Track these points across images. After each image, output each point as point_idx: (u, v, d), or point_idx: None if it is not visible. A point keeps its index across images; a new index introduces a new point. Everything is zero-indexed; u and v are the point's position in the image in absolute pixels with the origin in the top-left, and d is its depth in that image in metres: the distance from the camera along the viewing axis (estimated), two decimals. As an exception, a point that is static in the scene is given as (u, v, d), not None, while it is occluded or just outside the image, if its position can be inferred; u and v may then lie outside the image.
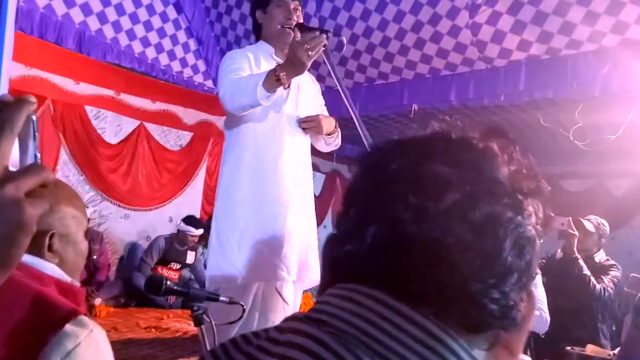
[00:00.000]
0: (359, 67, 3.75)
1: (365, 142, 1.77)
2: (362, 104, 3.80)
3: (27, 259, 0.86)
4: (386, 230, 0.42)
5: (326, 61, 1.76)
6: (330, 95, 2.17)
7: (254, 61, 1.89)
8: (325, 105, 2.16)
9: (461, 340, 0.41)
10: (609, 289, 3.11)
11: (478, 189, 0.42)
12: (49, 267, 0.88)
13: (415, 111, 3.72)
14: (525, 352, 2.50)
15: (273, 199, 1.85)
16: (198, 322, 1.34)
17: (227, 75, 1.84)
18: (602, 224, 3.36)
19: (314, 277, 1.97)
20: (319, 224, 5.97)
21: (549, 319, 2.49)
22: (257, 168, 1.86)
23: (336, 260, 0.46)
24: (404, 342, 0.39)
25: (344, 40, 1.81)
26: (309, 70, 1.81)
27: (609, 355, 2.38)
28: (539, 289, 2.56)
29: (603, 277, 3.14)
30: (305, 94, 1.99)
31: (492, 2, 3.11)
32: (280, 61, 1.82)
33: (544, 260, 3.47)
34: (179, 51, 4.08)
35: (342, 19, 3.51)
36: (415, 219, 0.41)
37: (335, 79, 1.78)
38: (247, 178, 1.86)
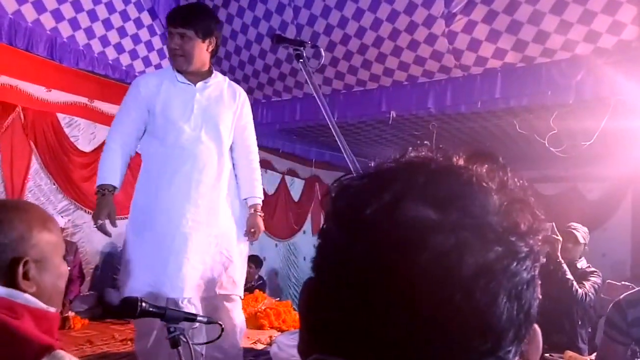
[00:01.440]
0: (337, 74, 3.75)
1: (343, 150, 1.76)
2: (341, 111, 3.80)
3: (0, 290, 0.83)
4: (361, 296, 0.37)
5: (304, 71, 1.75)
6: (309, 103, 2.17)
7: (154, 88, 2.06)
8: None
9: None
10: (590, 294, 3.17)
11: (464, 236, 0.36)
12: (22, 297, 0.85)
13: (393, 118, 3.73)
14: None
15: (166, 217, 1.96)
16: (175, 343, 1.30)
17: (120, 110, 2.11)
18: (587, 232, 3.46)
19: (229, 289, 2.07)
20: (297, 230, 5.98)
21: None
22: (152, 187, 2.01)
23: (313, 325, 0.41)
24: None
25: (322, 52, 1.80)
26: (243, 83, 1.95)
27: (586, 362, 2.41)
28: None
29: (584, 282, 3.20)
30: (215, 117, 2.09)
31: (467, 10, 3.14)
32: (186, 83, 2.06)
33: None
34: (154, 58, 4.02)
35: (320, 27, 3.50)
36: (394, 283, 0.36)
37: (312, 89, 1.77)
38: (143, 197, 2.03)
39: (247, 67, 3.93)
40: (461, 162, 0.41)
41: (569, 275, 3.12)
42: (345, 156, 1.78)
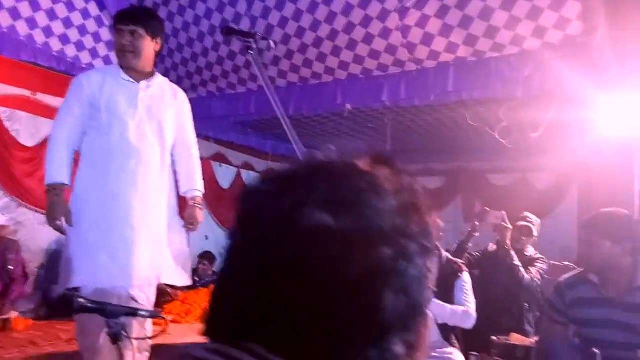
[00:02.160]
0: (292, 67, 3.72)
1: (294, 143, 1.77)
2: (297, 104, 3.78)
3: None
4: (258, 295, 0.40)
5: (254, 63, 1.73)
6: (264, 95, 2.14)
7: (97, 84, 2.08)
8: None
9: None
10: (536, 279, 3.32)
11: (355, 240, 0.39)
12: None
13: (349, 111, 3.74)
14: (453, 344, 2.59)
15: (114, 210, 2.00)
16: (115, 339, 1.27)
17: (62, 107, 2.10)
18: (539, 223, 3.65)
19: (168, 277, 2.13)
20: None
21: (475, 315, 2.59)
22: (99, 182, 2.03)
23: (217, 320, 0.44)
24: None
25: (272, 44, 1.78)
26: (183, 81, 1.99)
27: (531, 343, 2.51)
28: (467, 287, 2.67)
29: (531, 268, 3.35)
30: (158, 114, 2.14)
31: (420, 5, 3.17)
32: (130, 80, 2.10)
33: (478, 254, 3.65)
34: (101, 49, 3.87)
35: (274, 19, 3.46)
36: (287, 282, 0.39)
37: (263, 83, 1.75)
38: (88, 191, 2.04)
39: (200, 60, 3.85)
40: (362, 166, 0.44)
41: (517, 262, 3.25)
42: (295, 149, 1.77)
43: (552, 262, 3.51)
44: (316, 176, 0.42)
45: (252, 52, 1.69)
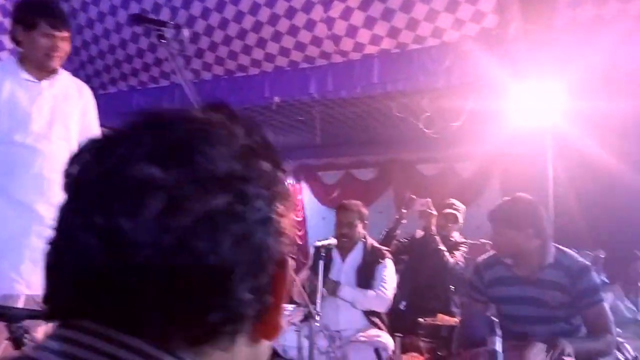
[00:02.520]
0: (217, 59, 3.63)
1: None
2: (223, 97, 3.70)
3: None
4: (78, 262, 0.38)
5: (168, 52, 1.68)
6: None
7: None
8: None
9: (186, 354, 0.39)
10: (460, 262, 3.48)
11: (185, 189, 0.38)
12: None
13: (277, 104, 3.71)
14: (380, 327, 2.65)
15: (19, 216, 1.89)
16: (18, 343, 1.19)
17: None
18: (464, 210, 3.82)
19: None
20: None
21: (389, 298, 2.68)
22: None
23: (53, 299, 0.42)
24: None
25: (186, 32, 1.73)
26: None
27: (455, 322, 2.62)
28: (387, 272, 2.75)
29: (455, 252, 3.51)
30: (63, 115, 2.04)
31: (344, -4, 3.19)
32: (32, 79, 1.96)
33: (406, 240, 3.76)
34: (7, 41, 3.59)
35: (196, 10, 3.36)
36: (116, 244, 0.37)
37: (178, 74, 1.69)
38: None
39: (118, 52, 3.67)
40: (194, 113, 0.42)
41: (441, 247, 3.39)
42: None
43: (469, 241, 3.69)
44: (143, 130, 0.41)
45: (164, 41, 1.63)
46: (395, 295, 4.43)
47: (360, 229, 2.83)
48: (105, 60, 3.73)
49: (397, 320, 3.09)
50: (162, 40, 1.62)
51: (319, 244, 2.53)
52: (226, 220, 0.38)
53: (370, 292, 2.67)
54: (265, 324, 0.43)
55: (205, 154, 0.39)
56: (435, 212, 3.52)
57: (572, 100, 3.90)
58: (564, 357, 1.50)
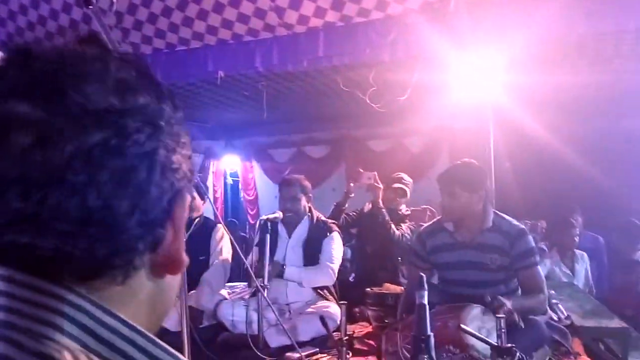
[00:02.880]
0: (157, 32, 3.49)
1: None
2: (165, 72, 3.58)
3: None
4: None
5: (95, 21, 1.60)
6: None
7: None
8: None
9: (80, 288, 0.39)
10: (406, 234, 3.56)
11: (56, 125, 0.37)
12: None
13: (221, 78, 3.62)
14: (328, 299, 2.68)
15: None
16: None
17: None
18: (412, 183, 3.89)
19: None
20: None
21: (333, 271, 2.72)
22: None
23: None
24: (11, 308, 0.37)
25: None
26: None
27: (401, 290, 2.69)
28: (334, 245, 2.78)
29: (403, 225, 3.59)
30: None
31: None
32: None
33: (355, 213, 3.81)
34: None
35: (133, -22, 3.21)
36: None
37: (109, 44, 1.61)
38: None
39: (49, 24, 3.47)
40: (65, 47, 0.41)
41: (388, 219, 3.46)
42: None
43: (412, 208, 3.77)
44: (9, 64, 0.40)
45: (92, 7, 1.55)
46: (345, 268, 4.51)
47: (304, 202, 2.83)
48: (36, 32, 3.52)
49: (346, 291, 3.14)
50: (90, 7, 1.54)
51: (264, 217, 2.52)
52: (103, 154, 0.38)
53: (316, 269, 2.69)
54: (165, 259, 0.43)
55: (78, 88, 0.38)
56: (381, 186, 3.58)
57: (511, 74, 4.02)
58: (500, 315, 1.57)
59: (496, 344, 1.56)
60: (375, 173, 3.56)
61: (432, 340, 1.03)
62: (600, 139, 5.38)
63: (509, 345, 1.55)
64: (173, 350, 0.42)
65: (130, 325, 0.40)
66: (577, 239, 4.42)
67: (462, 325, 1.51)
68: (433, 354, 1.01)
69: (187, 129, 0.47)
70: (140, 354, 0.40)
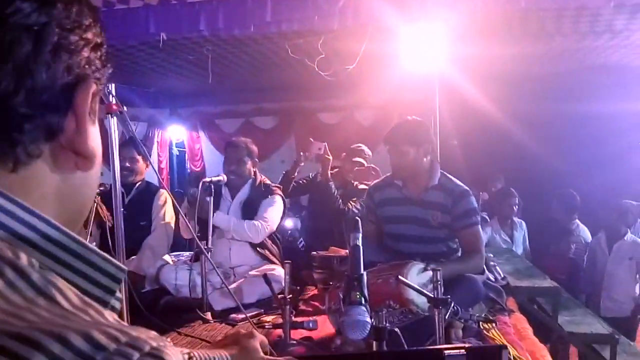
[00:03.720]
0: (94, -11, 3.31)
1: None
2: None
3: None
4: None
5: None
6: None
7: None
8: None
9: None
10: (354, 209, 3.60)
11: None
12: None
13: (164, 41, 3.48)
14: (274, 262, 2.68)
15: None
16: None
17: None
18: (371, 155, 3.93)
19: None
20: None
21: (264, 230, 2.72)
22: None
23: None
24: None
25: None
26: None
27: (345, 253, 2.73)
28: (274, 207, 2.78)
29: (355, 198, 3.62)
30: None
31: None
32: None
33: (305, 181, 3.81)
34: None
35: None
36: None
37: None
38: None
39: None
40: None
41: (335, 192, 3.50)
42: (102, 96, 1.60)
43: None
44: None
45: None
46: (295, 238, 4.53)
47: (249, 166, 2.80)
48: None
49: (295, 257, 3.16)
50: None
51: (207, 180, 2.47)
52: None
53: (247, 222, 2.68)
54: (71, 149, 0.42)
55: None
56: (330, 157, 3.58)
57: (458, 46, 4.10)
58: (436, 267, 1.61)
59: (432, 296, 1.60)
60: (326, 144, 3.56)
61: (365, 279, 1.05)
62: (546, 115, 5.61)
63: (445, 296, 1.60)
64: (81, 239, 0.40)
65: (29, 209, 0.38)
66: (516, 207, 4.62)
67: (400, 277, 1.54)
68: (365, 291, 1.02)
69: (95, 15, 0.45)
70: (42, 238, 0.38)
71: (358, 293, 1.00)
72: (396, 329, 1.26)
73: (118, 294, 0.42)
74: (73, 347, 0.29)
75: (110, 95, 1.60)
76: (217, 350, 0.95)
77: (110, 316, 0.34)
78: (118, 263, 0.42)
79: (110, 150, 1.70)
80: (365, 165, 3.83)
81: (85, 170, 0.44)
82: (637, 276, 4.16)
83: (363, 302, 0.99)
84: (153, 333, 0.34)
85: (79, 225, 0.46)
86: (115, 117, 1.65)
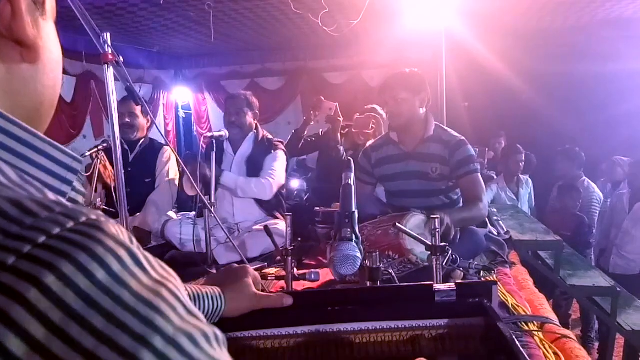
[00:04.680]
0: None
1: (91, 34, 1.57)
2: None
3: None
4: None
5: None
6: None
7: None
8: None
9: None
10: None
11: None
12: None
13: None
14: (278, 217, 2.68)
15: None
16: None
17: None
18: (385, 118, 3.82)
19: None
20: (76, 134, 5.41)
21: (271, 187, 2.72)
22: None
23: None
24: None
25: None
26: None
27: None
28: (277, 163, 2.76)
29: None
30: None
31: None
32: None
33: (313, 138, 3.78)
34: None
35: None
36: None
37: None
38: None
39: None
40: None
41: (343, 155, 3.46)
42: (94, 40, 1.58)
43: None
44: None
45: None
46: (301, 199, 4.55)
47: (250, 118, 2.78)
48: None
49: (301, 214, 3.17)
50: None
51: (209, 134, 2.46)
52: None
53: (254, 180, 2.68)
54: (10, 37, 0.40)
55: None
56: (341, 118, 3.50)
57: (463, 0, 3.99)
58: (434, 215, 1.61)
59: (430, 243, 1.61)
60: (337, 104, 3.49)
61: (356, 215, 1.06)
62: (555, 74, 5.48)
63: (443, 244, 1.60)
64: (33, 129, 0.40)
65: None
66: (522, 164, 4.59)
67: (397, 224, 1.55)
68: (356, 228, 1.03)
69: None
70: None
71: (349, 230, 1.01)
72: (390, 271, 1.27)
73: (79, 187, 0.42)
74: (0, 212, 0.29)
75: (106, 45, 1.59)
76: (209, 286, 0.98)
77: (54, 197, 0.34)
78: (74, 154, 0.42)
79: (107, 101, 1.70)
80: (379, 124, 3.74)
81: (31, 62, 0.43)
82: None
83: (354, 238, 1.00)
84: (98, 212, 0.33)
85: (39, 127, 0.45)
86: (111, 67, 1.64)
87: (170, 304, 0.32)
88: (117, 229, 0.33)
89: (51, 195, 0.33)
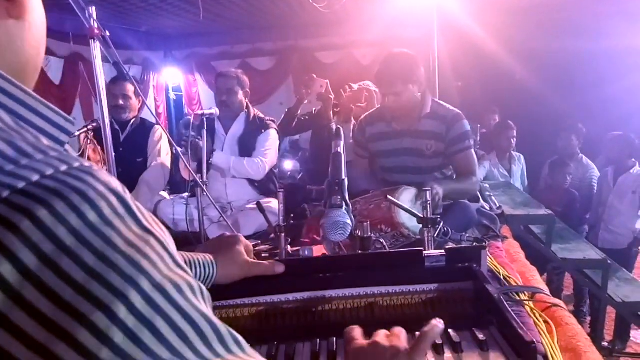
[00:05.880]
0: None
1: (76, 8, 1.54)
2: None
3: None
4: None
5: None
6: None
7: None
8: None
9: None
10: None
11: None
12: None
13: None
14: (270, 196, 2.68)
15: None
16: None
17: None
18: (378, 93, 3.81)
19: None
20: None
21: (264, 166, 2.72)
22: None
23: None
24: None
25: None
26: None
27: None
28: (269, 142, 2.76)
29: None
30: None
31: None
32: None
33: (307, 117, 3.77)
34: None
35: None
36: None
37: None
38: None
39: None
40: None
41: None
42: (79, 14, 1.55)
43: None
44: None
45: None
46: (294, 179, 4.54)
47: (241, 96, 2.76)
48: None
49: (294, 193, 3.18)
50: None
51: (199, 112, 2.45)
52: None
53: (246, 160, 2.68)
54: None
55: None
56: (332, 95, 3.50)
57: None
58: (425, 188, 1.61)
59: (422, 216, 1.62)
60: (328, 81, 3.48)
61: (346, 183, 1.06)
62: (548, 51, 5.46)
63: (434, 216, 1.61)
64: (28, 89, 0.39)
65: None
66: (514, 140, 4.60)
67: (389, 197, 1.55)
68: (346, 195, 1.04)
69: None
70: None
71: (339, 197, 1.01)
72: (382, 241, 1.28)
73: (71, 151, 0.42)
74: None
75: (92, 19, 1.57)
76: (201, 253, 0.98)
77: (49, 142, 0.34)
78: (67, 116, 0.42)
79: (95, 78, 1.68)
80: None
81: (16, 17, 0.43)
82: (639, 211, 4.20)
83: (344, 206, 1.01)
84: (91, 162, 0.34)
85: (26, 85, 0.44)
86: (97, 42, 1.61)
87: (158, 253, 0.33)
88: (110, 178, 0.34)
89: (45, 141, 0.34)
